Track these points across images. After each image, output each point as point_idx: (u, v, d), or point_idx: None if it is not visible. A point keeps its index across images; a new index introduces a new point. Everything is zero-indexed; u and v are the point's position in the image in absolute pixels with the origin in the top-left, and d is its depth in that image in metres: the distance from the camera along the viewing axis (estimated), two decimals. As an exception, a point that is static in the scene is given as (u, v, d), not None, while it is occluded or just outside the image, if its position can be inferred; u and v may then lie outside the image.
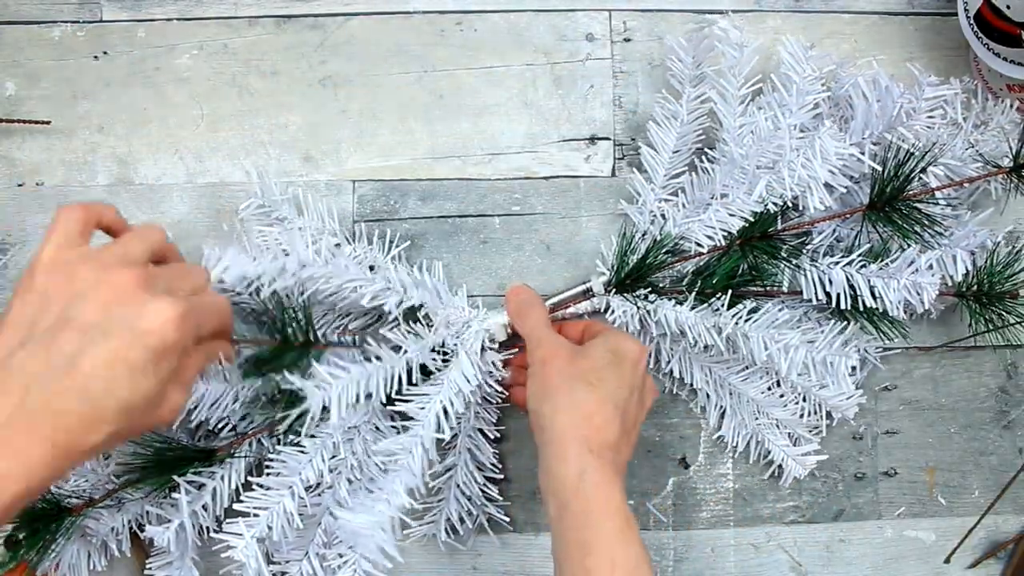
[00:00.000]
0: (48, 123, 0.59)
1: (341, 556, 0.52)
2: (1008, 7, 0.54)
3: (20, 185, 0.60)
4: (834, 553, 0.61)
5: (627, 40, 0.62)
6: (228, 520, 0.51)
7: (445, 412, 0.51)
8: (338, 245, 0.56)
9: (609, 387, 0.47)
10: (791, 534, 0.61)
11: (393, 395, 0.52)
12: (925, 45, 0.63)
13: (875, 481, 0.61)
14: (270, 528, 0.50)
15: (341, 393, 0.50)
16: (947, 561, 0.61)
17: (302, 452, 0.53)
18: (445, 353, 0.54)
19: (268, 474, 0.52)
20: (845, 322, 0.56)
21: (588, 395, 0.46)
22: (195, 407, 0.53)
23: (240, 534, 0.50)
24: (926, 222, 0.54)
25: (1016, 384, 0.62)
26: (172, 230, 0.59)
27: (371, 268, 0.55)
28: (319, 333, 0.55)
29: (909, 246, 0.55)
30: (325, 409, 0.50)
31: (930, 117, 0.55)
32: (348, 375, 0.51)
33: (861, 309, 0.54)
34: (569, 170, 0.61)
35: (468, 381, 0.52)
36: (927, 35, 0.63)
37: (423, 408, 0.51)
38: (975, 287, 0.57)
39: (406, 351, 0.53)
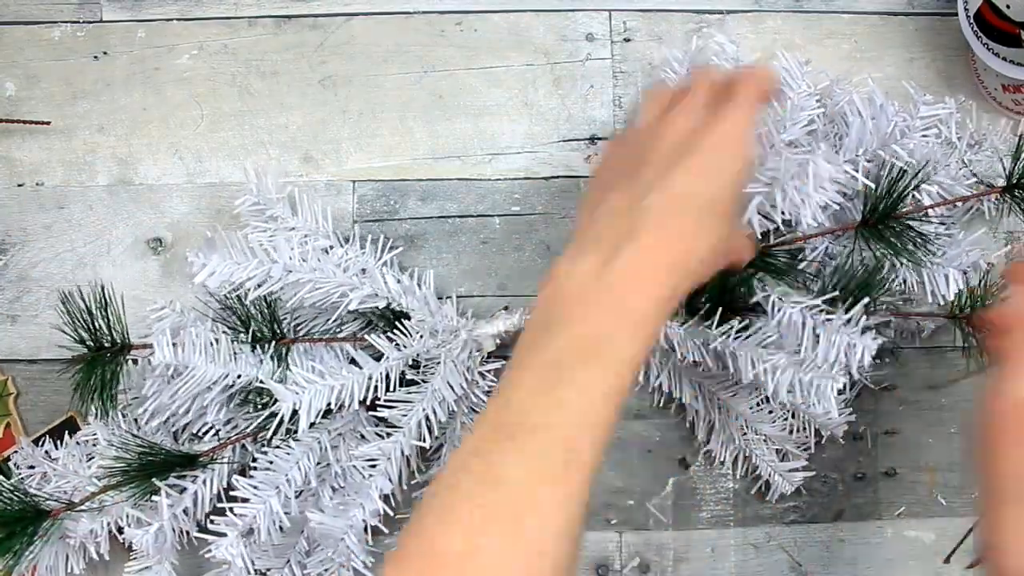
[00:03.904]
0: (48, 123, 0.59)
1: (322, 564, 0.52)
2: (1008, 7, 0.54)
3: (20, 185, 0.60)
4: (834, 553, 0.61)
5: (627, 40, 0.62)
6: (212, 519, 0.51)
7: (428, 420, 0.51)
8: (330, 247, 0.56)
9: None
10: (791, 534, 0.61)
11: (377, 401, 0.52)
12: (925, 45, 0.63)
13: (875, 481, 0.61)
14: (253, 530, 0.50)
15: (313, 398, 0.50)
16: (947, 561, 0.61)
17: (288, 454, 0.53)
18: (426, 364, 0.54)
19: (254, 474, 0.52)
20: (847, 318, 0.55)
21: None
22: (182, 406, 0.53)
23: (224, 534, 0.50)
24: (919, 240, 0.54)
25: (1016, 384, 0.62)
26: (172, 230, 0.59)
27: (363, 271, 0.55)
28: (285, 328, 0.55)
29: (901, 264, 0.54)
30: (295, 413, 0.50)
31: (924, 136, 0.55)
32: (322, 381, 0.51)
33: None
34: (569, 170, 0.61)
35: (452, 390, 0.52)
36: (927, 35, 0.63)
37: (405, 415, 0.51)
38: (968, 309, 0.57)
39: (387, 358, 0.53)
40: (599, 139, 0.61)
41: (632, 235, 0.38)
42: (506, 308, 0.58)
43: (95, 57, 0.60)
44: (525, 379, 0.36)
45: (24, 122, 0.59)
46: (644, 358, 0.37)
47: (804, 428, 0.58)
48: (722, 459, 0.59)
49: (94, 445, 0.55)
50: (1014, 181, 0.55)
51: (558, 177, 0.61)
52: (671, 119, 0.42)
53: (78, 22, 0.60)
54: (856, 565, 0.61)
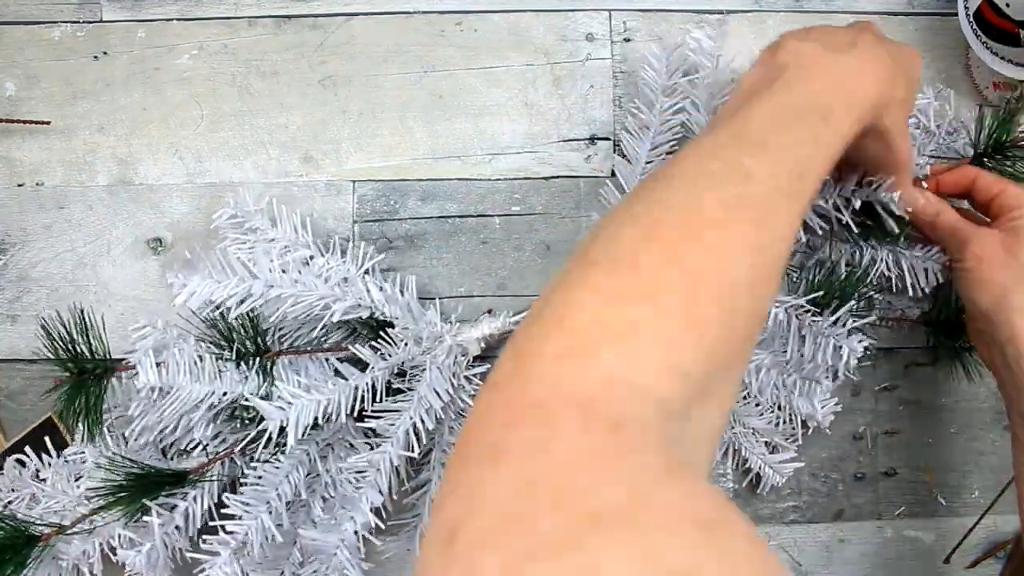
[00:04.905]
0: (48, 123, 0.59)
1: (316, 574, 0.52)
2: (1008, 5, 0.54)
3: (20, 185, 0.60)
4: (834, 553, 0.61)
5: (627, 40, 0.62)
6: (205, 537, 0.51)
7: (415, 429, 0.51)
8: (311, 257, 0.56)
9: None
10: (791, 534, 0.61)
11: (364, 412, 0.52)
12: (925, 45, 0.63)
13: (875, 481, 0.61)
14: (244, 544, 0.50)
15: (300, 414, 0.50)
16: (947, 561, 0.61)
17: (277, 467, 0.52)
18: (412, 372, 0.54)
19: (244, 490, 0.52)
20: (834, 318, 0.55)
21: None
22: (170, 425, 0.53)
23: (217, 552, 0.50)
24: (893, 220, 0.54)
25: (1016, 384, 0.62)
26: (172, 230, 0.59)
27: (345, 280, 0.55)
28: (269, 340, 0.55)
29: (882, 260, 0.54)
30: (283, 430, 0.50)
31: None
32: (309, 396, 0.51)
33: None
34: (569, 170, 0.61)
35: (439, 396, 0.52)
36: (927, 35, 0.63)
37: (393, 425, 0.51)
38: (943, 316, 0.57)
39: (372, 368, 0.52)
40: (599, 139, 0.61)
41: (853, 46, 0.44)
42: (490, 311, 0.58)
43: (95, 57, 0.60)
44: (759, 111, 0.40)
45: (24, 122, 0.59)
46: (842, 147, 0.41)
47: (791, 420, 0.58)
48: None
49: (82, 463, 0.55)
50: (981, 150, 0.55)
51: (558, 177, 0.61)
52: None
53: (78, 22, 0.60)
54: (856, 565, 0.61)
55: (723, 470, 0.60)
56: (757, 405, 0.57)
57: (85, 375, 0.54)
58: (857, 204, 0.52)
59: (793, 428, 0.58)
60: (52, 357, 0.54)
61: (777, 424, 0.58)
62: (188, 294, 0.52)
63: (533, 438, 0.28)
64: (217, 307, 0.53)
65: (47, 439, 0.56)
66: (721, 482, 0.60)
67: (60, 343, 0.53)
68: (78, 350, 0.54)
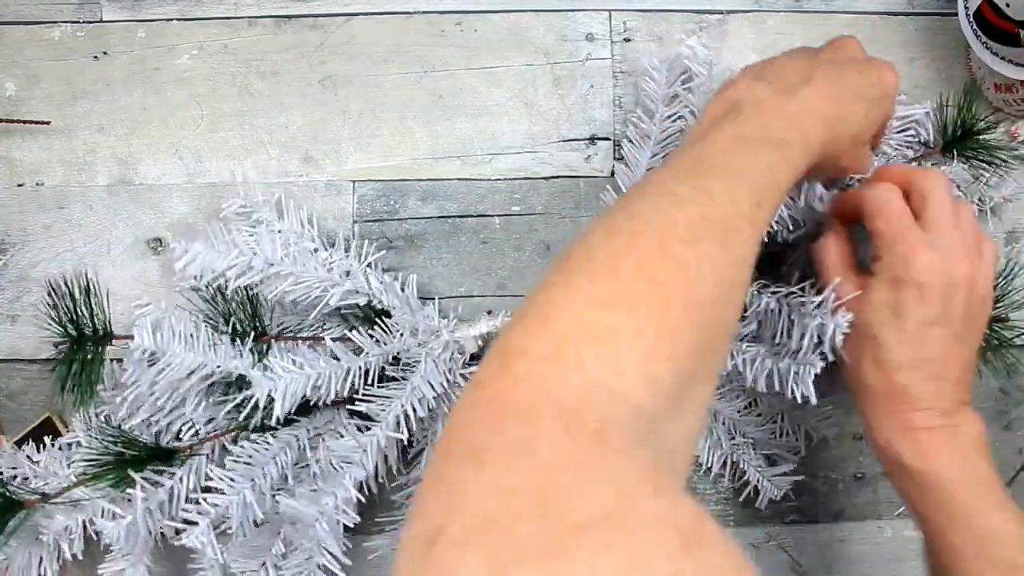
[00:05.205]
0: (48, 123, 0.59)
1: (298, 567, 0.52)
2: (1008, 5, 0.54)
3: (20, 185, 0.60)
4: (834, 553, 0.61)
5: (627, 40, 0.62)
6: (185, 506, 0.51)
7: (407, 416, 0.51)
8: (315, 250, 0.56)
9: (903, 331, 0.46)
10: (791, 534, 0.61)
11: (356, 397, 0.52)
12: (925, 45, 0.63)
13: (875, 481, 0.61)
14: (226, 518, 0.50)
15: (289, 386, 0.50)
16: (947, 561, 0.61)
17: (267, 448, 0.53)
18: (406, 363, 0.54)
19: (231, 466, 0.52)
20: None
21: (892, 351, 0.46)
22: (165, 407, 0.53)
23: (195, 522, 0.50)
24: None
25: (1016, 384, 0.62)
26: (172, 230, 0.59)
27: (347, 273, 0.55)
28: (266, 325, 0.55)
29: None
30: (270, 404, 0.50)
31: (900, 133, 0.55)
32: (300, 371, 0.51)
33: None
34: (569, 170, 0.61)
35: (433, 388, 0.52)
36: (927, 35, 0.63)
37: (384, 410, 0.51)
38: None
39: (366, 353, 0.52)
40: (599, 139, 0.61)
41: (808, 82, 0.44)
42: (489, 312, 0.58)
43: (95, 57, 0.60)
44: (714, 143, 0.41)
45: (24, 122, 0.59)
46: (795, 178, 0.42)
47: (794, 431, 0.58)
48: (709, 465, 0.59)
49: (78, 446, 0.55)
50: (948, 138, 0.56)
51: (558, 177, 0.61)
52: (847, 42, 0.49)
53: (78, 22, 0.60)
54: (856, 565, 0.61)
55: (724, 469, 0.60)
56: (758, 415, 0.57)
57: (84, 339, 0.54)
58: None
59: (796, 440, 0.58)
60: (54, 319, 0.55)
61: (780, 436, 0.57)
62: (189, 260, 0.52)
63: (517, 438, 0.28)
64: (217, 278, 0.53)
65: (46, 439, 0.56)
66: (721, 481, 0.60)
67: (63, 306, 0.54)
68: (80, 312, 0.55)
